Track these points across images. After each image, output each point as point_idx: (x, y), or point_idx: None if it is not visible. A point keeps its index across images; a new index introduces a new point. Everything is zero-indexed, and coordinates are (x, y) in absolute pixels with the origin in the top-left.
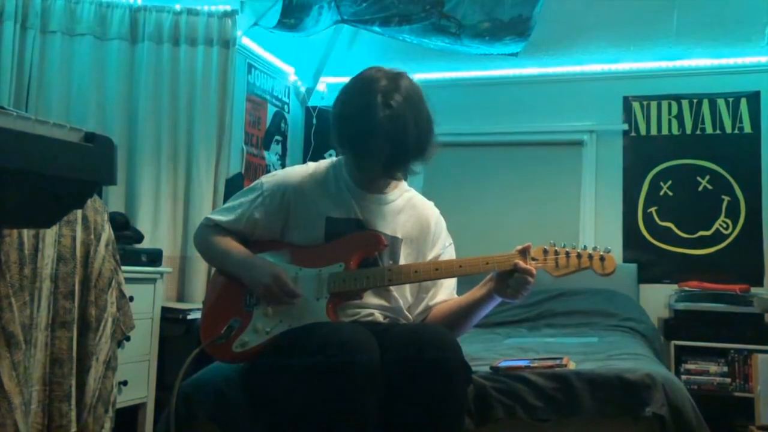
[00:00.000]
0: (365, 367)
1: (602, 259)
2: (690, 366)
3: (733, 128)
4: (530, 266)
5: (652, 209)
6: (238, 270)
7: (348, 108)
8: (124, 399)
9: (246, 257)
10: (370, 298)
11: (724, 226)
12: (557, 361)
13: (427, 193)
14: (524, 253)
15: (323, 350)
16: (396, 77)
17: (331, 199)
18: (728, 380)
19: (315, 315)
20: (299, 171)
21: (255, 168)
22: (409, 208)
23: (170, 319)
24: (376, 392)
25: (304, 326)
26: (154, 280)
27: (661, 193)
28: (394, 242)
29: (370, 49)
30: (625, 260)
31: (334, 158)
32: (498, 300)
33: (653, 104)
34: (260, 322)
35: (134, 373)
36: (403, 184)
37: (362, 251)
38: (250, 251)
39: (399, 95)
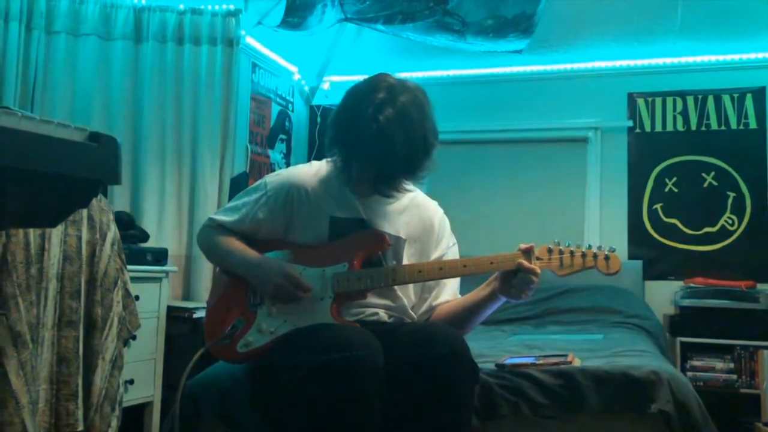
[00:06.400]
0: (369, 370)
1: (607, 258)
2: (696, 363)
3: (739, 124)
4: (534, 266)
5: (658, 206)
6: (245, 270)
7: (342, 114)
8: (131, 398)
9: (252, 257)
10: (374, 298)
11: (730, 222)
12: (562, 358)
13: (431, 192)
14: (528, 252)
15: (327, 354)
16: (397, 90)
17: (334, 198)
18: (734, 377)
19: (319, 315)
20: (303, 170)
21: (259, 167)
22: (412, 207)
23: (176, 317)
24: (380, 394)
25: (308, 328)
26: (159, 279)
27: (667, 189)
28: (398, 242)
29: (374, 47)
30: (631, 257)
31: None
32: (502, 300)
33: (658, 100)
34: (264, 322)
35: (140, 371)
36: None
37: (366, 251)
38: (254, 251)
39: (392, 110)
